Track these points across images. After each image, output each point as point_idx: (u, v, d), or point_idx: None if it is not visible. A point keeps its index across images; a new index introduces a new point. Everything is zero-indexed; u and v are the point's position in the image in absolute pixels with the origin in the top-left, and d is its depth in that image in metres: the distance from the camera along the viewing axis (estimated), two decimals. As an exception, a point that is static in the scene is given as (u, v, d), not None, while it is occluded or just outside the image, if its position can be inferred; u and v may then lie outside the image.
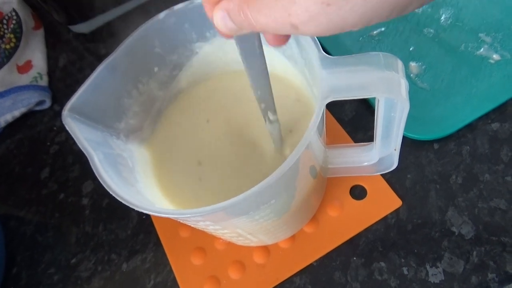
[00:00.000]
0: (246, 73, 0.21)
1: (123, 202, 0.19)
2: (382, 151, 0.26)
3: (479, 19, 0.39)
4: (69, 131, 0.22)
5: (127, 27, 0.47)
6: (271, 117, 0.24)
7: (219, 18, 0.16)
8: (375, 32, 0.41)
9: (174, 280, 0.32)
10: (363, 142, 0.29)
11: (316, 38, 0.22)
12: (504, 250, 0.29)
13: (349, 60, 0.20)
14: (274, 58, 0.28)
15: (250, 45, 0.19)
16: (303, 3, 0.12)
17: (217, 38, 0.28)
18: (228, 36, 0.17)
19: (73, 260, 0.35)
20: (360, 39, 0.41)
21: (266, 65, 0.21)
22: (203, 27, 0.27)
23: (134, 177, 0.25)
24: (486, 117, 0.35)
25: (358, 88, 0.20)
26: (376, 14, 0.13)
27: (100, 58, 0.24)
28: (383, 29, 0.41)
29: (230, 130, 0.29)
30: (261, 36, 0.19)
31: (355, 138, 0.36)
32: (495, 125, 0.34)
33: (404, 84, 0.20)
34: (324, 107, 0.20)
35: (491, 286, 0.28)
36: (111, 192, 0.20)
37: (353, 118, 0.37)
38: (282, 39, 0.18)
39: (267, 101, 0.23)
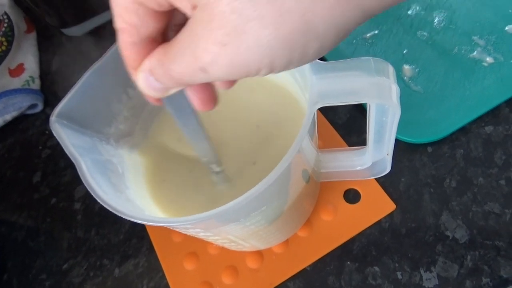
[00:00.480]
0: (182, 131, 0.21)
1: (110, 209, 0.19)
2: (375, 155, 0.26)
3: (472, 22, 0.39)
4: (56, 137, 0.21)
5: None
6: (216, 168, 0.25)
7: (143, 80, 0.16)
8: (368, 35, 0.41)
9: (167, 286, 0.32)
10: (357, 145, 0.29)
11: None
12: (498, 255, 0.29)
13: (340, 65, 0.20)
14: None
15: (180, 104, 0.19)
16: (203, 44, 0.13)
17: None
18: (157, 101, 0.18)
19: (65, 266, 0.35)
20: (354, 41, 0.40)
21: (200, 121, 0.21)
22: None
23: (124, 184, 0.25)
24: (480, 120, 0.35)
25: (348, 94, 0.20)
26: (275, 55, 0.13)
27: (93, 61, 0.24)
28: (376, 31, 0.41)
29: (221, 136, 0.29)
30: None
31: (349, 142, 0.36)
32: (488, 128, 0.34)
33: (395, 90, 0.20)
34: (315, 111, 0.20)
35: (485, 290, 0.28)
36: (98, 200, 0.19)
37: (347, 121, 0.37)
38: (227, 84, 0.19)
39: (208, 155, 0.24)
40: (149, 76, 0.15)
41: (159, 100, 0.18)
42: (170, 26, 0.16)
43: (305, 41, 0.13)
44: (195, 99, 0.18)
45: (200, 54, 0.13)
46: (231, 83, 0.19)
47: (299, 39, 0.12)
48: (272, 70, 0.13)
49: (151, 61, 0.15)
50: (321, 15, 0.12)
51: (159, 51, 0.15)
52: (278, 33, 0.12)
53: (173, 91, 0.16)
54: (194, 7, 0.13)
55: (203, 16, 0.13)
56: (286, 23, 0.12)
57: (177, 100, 0.19)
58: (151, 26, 0.15)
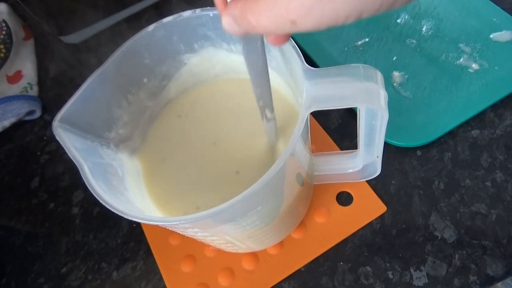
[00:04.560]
0: (247, 70, 0.22)
1: (112, 209, 0.20)
2: (366, 158, 0.27)
3: (458, 30, 0.41)
4: (60, 141, 0.22)
5: (117, 37, 0.48)
6: (269, 115, 0.25)
7: (226, 23, 0.17)
8: (359, 43, 0.42)
9: (164, 288, 0.33)
10: (349, 149, 0.30)
11: (299, 51, 0.22)
12: (485, 253, 0.30)
13: (331, 72, 0.21)
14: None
15: (254, 45, 0.20)
16: None
17: (205, 49, 0.29)
18: (236, 35, 0.19)
19: (63, 269, 0.35)
20: (345, 49, 0.42)
21: (266, 64, 0.22)
22: (191, 39, 0.28)
23: (124, 186, 0.25)
24: (467, 124, 0.36)
25: (339, 99, 0.21)
26: (366, 7, 0.14)
27: (90, 68, 0.24)
28: (367, 39, 0.42)
29: (219, 138, 0.30)
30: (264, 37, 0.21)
31: (341, 146, 0.37)
32: (475, 132, 0.35)
33: (383, 95, 0.21)
34: (307, 116, 0.21)
35: (473, 288, 0.29)
36: (100, 200, 0.20)
37: (339, 126, 0.38)
38: (283, 39, 0.20)
39: (265, 99, 0.24)
40: (232, 21, 0.17)
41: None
42: None
43: None
44: (270, 37, 0.19)
45: (293, 6, 0.14)
46: (286, 38, 0.20)
47: None
48: (360, 16, 0.14)
49: (235, 10, 0.16)
50: None
51: (244, 1, 0.16)
52: None
53: (251, 34, 0.17)
54: None
55: None
56: None
57: (252, 39, 0.20)
58: None
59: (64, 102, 0.23)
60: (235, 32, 0.17)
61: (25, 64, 0.47)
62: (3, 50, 0.46)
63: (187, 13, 0.26)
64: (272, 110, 0.25)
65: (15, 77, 0.46)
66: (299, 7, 0.14)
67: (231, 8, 0.17)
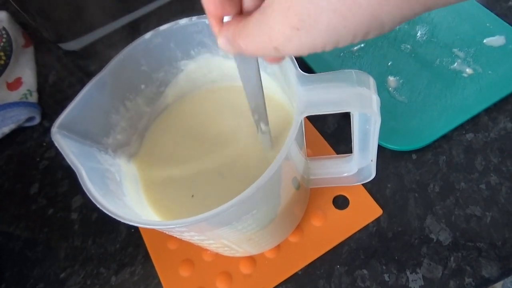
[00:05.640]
0: (243, 86, 0.23)
1: (109, 214, 0.20)
2: (361, 162, 0.28)
3: (452, 35, 0.41)
4: (58, 147, 0.22)
5: (116, 44, 0.48)
6: (263, 127, 0.26)
7: (222, 43, 0.19)
8: (355, 48, 0.42)
9: (163, 292, 0.33)
10: (346, 153, 0.30)
11: (293, 57, 0.23)
12: (480, 256, 0.30)
13: (324, 77, 0.22)
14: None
15: (249, 62, 0.21)
16: (280, 29, 0.15)
17: (202, 56, 0.30)
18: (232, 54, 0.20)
19: (62, 275, 0.35)
20: (341, 54, 0.42)
21: (261, 80, 0.23)
22: (188, 46, 0.29)
23: (122, 191, 0.26)
24: (461, 128, 0.36)
25: (332, 104, 0.21)
26: (341, 38, 0.15)
27: (89, 75, 0.25)
28: (362, 45, 0.43)
29: (216, 143, 0.30)
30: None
31: (337, 150, 0.37)
32: (469, 136, 0.36)
33: (375, 100, 0.21)
34: (302, 120, 0.22)
35: (468, 290, 0.29)
36: (97, 205, 0.20)
37: (335, 130, 0.38)
38: (277, 59, 0.21)
39: (260, 113, 0.25)
40: (226, 42, 0.18)
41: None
42: None
43: (369, 29, 0.15)
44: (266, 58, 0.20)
45: (275, 35, 0.15)
46: (280, 59, 0.22)
47: (364, 29, 0.14)
48: (337, 46, 0.16)
49: (228, 33, 0.18)
50: (390, 11, 0.14)
51: (236, 25, 0.17)
52: (347, 23, 0.14)
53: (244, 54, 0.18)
54: None
55: (281, 2, 0.15)
56: (355, 16, 0.14)
57: (247, 58, 0.21)
58: None
59: (63, 108, 0.24)
60: (230, 51, 0.19)
61: (25, 71, 0.48)
62: (3, 57, 0.47)
63: (183, 21, 0.27)
64: (266, 123, 0.26)
65: (15, 84, 0.47)
66: (280, 36, 0.15)
67: (225, 30, 0.18)
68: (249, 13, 0.17)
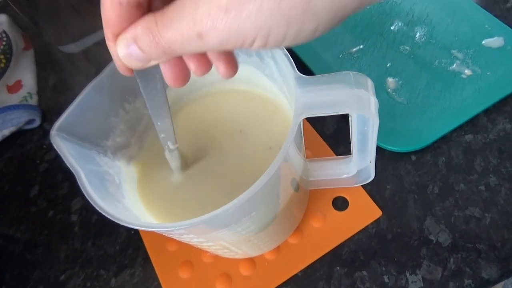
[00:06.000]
0: (146, 105, 0.22)
1: (108, 216, 0.20)
2: (360, 163, 0.28)
3: (451, 36, 0.42)
4: (57, 150, 0.23)
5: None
6: (171, 146, 0.26)
7: (124, 47, 0.16)
8: (354, 50, 0.43)
9: (162, 294, 0.33)
10: (344, 154, 0.30)
11: (291, 59, 0.23)
12: (479, 257, 0.30)
13: (322, 79, 0.22)
14: (256, 76, 0.29)
15: (151, 80, 0.20)
16: (206, 8, 0.13)
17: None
18: (129, 71, 0.17)
19: (62, 277, 0.35)
20: (340, 56, 0.42)
21: (166, 98, 0.22)
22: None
23: (121, 193, 0.26)
24: (460, 129, 0.36)
25: (330, 105, 0.21)
26: (272, 28, 0.14)
27: (89, 77, 0.25)
28: (361, 46, 0.43)
29: (215, 146, 0.30)
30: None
31: (336, 151, 0.37)
32: (468, 137, 0.36)
33: (373, 101, 0.21)
34: (300, 122, 0.22)
35: (468, 291, 0.29)
36: (96, 207, 0.20)
37: (335, 132, 0.39)
38: (204, 66, 0.19)
39: (167, 132, 0.25)
40: (132, 44, 0.15)
41: (131, 70, 0.17)
42: None
43: (303, 19, 0.13)
44: (168, 74, 0.18)
45: (201, 17, 0.14)
46: (206, 68, 0.19)
47: (297, 16, 0.13)
48: (265, 43, 0.14)
49: (137, 29, 0.15)
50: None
51: (149, 18, 0.15)
52: (280, 5, 0.13)
53: (153, 63, 0.16)
54: None
55: None
56: (290, 1, 0.13)
57: (149, 73, 0.20)
58: None
59: (63, 111, 0.24)
60: (135, 60, 0.16)
61: (25, 74, 0.48)
62: (3, 60, 0.47)
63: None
64: (174, 141, 0.26)
65: (15, 87, 0.47)
66: (205, 17, 0.13)
67: (132, 28, 0.15)
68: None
